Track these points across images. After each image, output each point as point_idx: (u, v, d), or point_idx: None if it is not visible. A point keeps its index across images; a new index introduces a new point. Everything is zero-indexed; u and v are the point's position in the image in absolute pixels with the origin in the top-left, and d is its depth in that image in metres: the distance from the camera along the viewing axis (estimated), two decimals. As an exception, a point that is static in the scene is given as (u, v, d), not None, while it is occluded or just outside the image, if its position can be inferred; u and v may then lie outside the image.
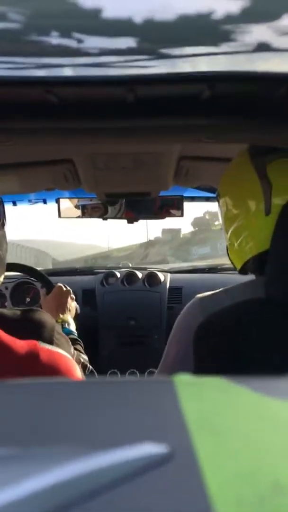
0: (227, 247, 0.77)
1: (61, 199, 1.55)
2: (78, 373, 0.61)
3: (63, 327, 1.11)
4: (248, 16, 0.33)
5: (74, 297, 1.27)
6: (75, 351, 0.99)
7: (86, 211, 1.54)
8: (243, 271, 0.75)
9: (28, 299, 1.92)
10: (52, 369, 0.55)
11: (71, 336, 1.08)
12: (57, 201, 1.55)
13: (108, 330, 1.97)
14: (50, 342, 0.64)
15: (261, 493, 0.14)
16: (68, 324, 1.14)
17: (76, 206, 1.54)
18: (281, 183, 0.64)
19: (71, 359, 0.61)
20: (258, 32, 0.36)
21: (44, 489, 0.14)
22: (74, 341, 1.06)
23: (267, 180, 0.64)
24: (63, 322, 1.13)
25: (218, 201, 0.79)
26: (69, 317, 1.18)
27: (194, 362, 0.64)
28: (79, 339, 1.10)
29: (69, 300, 1.23)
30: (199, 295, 0.73)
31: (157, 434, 0.18)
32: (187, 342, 0.66)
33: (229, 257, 0.78)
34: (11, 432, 0.19)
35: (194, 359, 0.64)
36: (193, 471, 0.16)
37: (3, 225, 0.69)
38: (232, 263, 0.78)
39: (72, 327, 1.16)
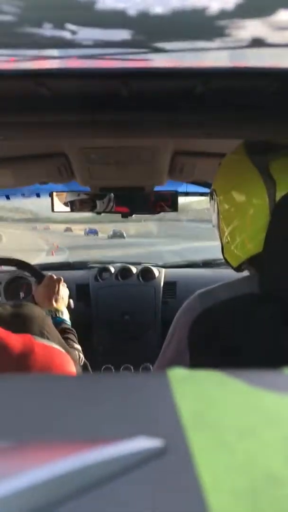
0: (222, 245, 0.77)
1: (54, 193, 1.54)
2: (72, 367, 0.62)
3: (56, 316, 1.11)
4: (243, 11, 0.33)
5: (65, 284, 1.25)
6: (70, 342, 0.99)
7: (75, 207, 1.54)
8: (238, 269, 0.74)
9: (22, 294, 1.91)
10: (46, 364, 0.55)
11: (64, 326, 1.08)
12: (51, 195, 1.54)
13: (102, 325, 1.98)
14: (41, 335, 0.64)
15: (256, 485, 0.15)
16: (62, 313, 1.13)
17: (65, 203, 1.54)
18: (285, 181, 0.63)
19: (65, 354, 0.62)
20: (253, 27, 0.36)
21: (39, 483, 0.14)
22: (67, 331, 1.05)
23: (270, 178, 0.64)
24: (56, 311, 1.13)
25: (212, 199, 0.78)
26: (62, 306, 1.17)
27: (189, 356, 0.64)
28: (72, 329, 1.09)
29: (61, 288, 1.21)
30: (199, 291, 0.73)
31: (152, 428, 0.18)
32: (184, 336, 0.67)
33: (223, 255, 0.77)
34: (5, 426, 0.19)
35: (189, 353, 0.64)
36: (187, 464, 0.16)
37: None
38: (226, 261, 0.77)
39: (65, 316, 1.14)
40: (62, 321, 1.10)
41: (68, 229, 48.54)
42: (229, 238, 0.72)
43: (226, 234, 0.73)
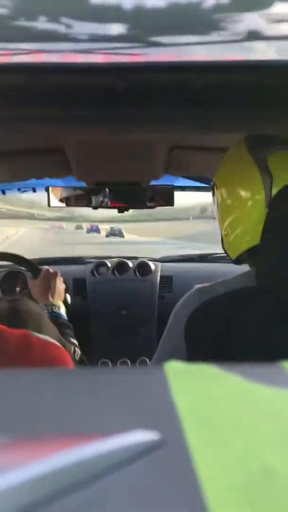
0: (221, 237, 0.78)
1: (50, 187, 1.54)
2: (69, 362, 0.62)
3: (52, 311, 1.10)
4: (239, 4, 0.33)
5: (62, 278, 1.23)
6: (66, 336, 0.99)
7: (70, 202, 1.54)
8: (237, 261, 0.75)
9: (18, 288, 1.91)
10: (44, 358, 0.55)
11: (61, 320, 1.07)
12: (47, 190, 1.54)
13: (99, 319, 1.98)
14: (38, 330, 0.65)
15: (252, 479, 0.15)
16: (58, 308, 1.12)
17: (61, 200, 1.54)
18: (282, 175, 0.64)
19: (63, 348, 0.62)
20: (249, 21, 0.36)
21: (36, 477, 0.14)
22: (63, 325, 1.04)
23: (267, 172, 0.64)
24: (52, 306, 1.11)
25: (213, 192, 0.79)
26: (58, 301, 1.15)
27: (187, 351, 0.64)
28: (68, 323, 1.08)
29: (57, 282, 1.19)
30: (198, 285, 0.73)
31: (148, 422, 0.18)
32: (181, 330, 0.67)
33: (223, 247, 0.78)
34: (2, 421, 0.19)
35: (186, 346, 0.64)
36: (183, 458, 0.16)
37: None
38: (226, 253, 0.78)
39: (62, 310, 1.13)
40: (59, 315, 1.09)
41: (79, 227, 45.65)
42: (227, 230, 0.73)
43: (224, 226, 0.74)
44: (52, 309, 1.10)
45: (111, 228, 34.18)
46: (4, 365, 0.51)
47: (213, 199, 0.79)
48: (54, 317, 1.06)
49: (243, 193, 0.68)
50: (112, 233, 33.35)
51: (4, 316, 0.66)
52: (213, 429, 0.17)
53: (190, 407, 0.19)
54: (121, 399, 0.21)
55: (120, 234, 32.83)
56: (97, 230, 38.42)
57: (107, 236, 32.50)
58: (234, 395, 0.20)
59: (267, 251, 0.63)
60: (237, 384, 0.21)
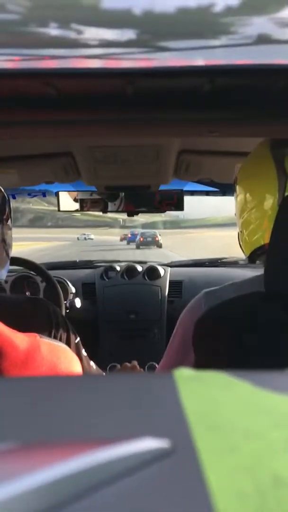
0: (238, 234, 0.78)
1: (60, 192, 1.55)
2: (78, 366, 0.62)
3: None
4: (248, 8, 0.33)
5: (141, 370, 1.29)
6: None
7: (85, 206, 1.55)
8: (251, 259, 0.75)
9: (28, 293, 1.92)
10: (52, 362, 0.55)
11: None
12: (57, 194, 1.55)
13: (108, 323, 1.98)
14: (50, 325, 0.69)
15: (261, 486, 0.14)
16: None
17: (75, 200, 1.55)
18: None
19: (71, 352, 0.62)
20: (258, 25, 0.36)
21: (46, 483, 0.14)
22: None
23: (284, 173, 0.64)
24: None
25: (234, 189, 0.79)
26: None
27: (194, 356, 0.64)
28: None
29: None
30: (205, 290, 0.73)
31: (158, 429, 0.18)
32: (189, 335, 0.67)
33: (239, 243, 0.79)
34: (13, 427, 0.19)
35: (194, 351, 0.64)
36: (193, 465, 0.16)
37: (7, 219, 0.71)
38: (242, 250, 0.78)
39: None
40: None
41: (124, 238, 37.59)
42: (242, 227, 0.73)
43: (240, 223, 0.74)
44: None
45: (144, 235, 26.01)
46: (14, 368, 0.52)
47: (234, 196, 0.80)
48: None
49: (259, 191, 0.68)
50: (145, 241, 25.53)
51: (25, 310, 0.69)
52: (222, 436, 0.17)
53: (199, 414, 0.19)
54: (130, 405, 0.21)
55: (153, 243, 25.02)
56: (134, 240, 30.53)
57: (137, 247, 24.91)
58: (243, 402, 0.20)
59: (275, 252, 0.63)
60: (246, 391, 0.21)
